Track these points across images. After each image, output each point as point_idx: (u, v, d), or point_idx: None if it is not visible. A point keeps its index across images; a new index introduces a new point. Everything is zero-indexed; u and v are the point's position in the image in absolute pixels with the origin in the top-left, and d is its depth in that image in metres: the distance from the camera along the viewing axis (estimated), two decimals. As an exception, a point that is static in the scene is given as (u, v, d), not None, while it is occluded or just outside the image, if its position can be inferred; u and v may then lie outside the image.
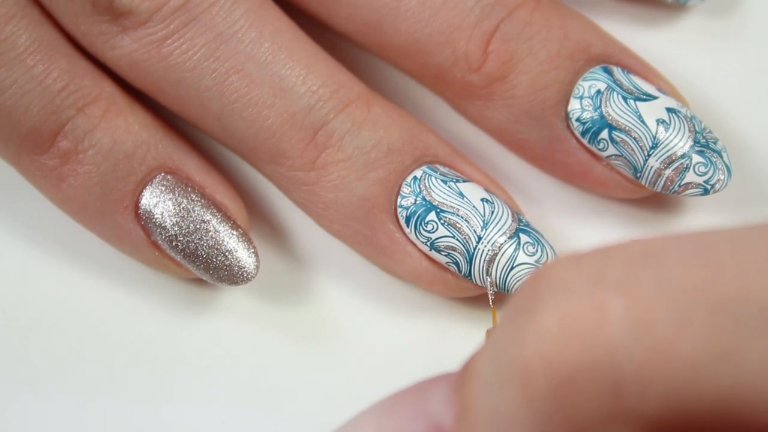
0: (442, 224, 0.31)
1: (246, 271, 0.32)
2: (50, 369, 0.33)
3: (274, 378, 0.33)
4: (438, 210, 0.32)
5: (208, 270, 0.32)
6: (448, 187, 0.32)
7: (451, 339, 0.34)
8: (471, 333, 0.34)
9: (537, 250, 0.32)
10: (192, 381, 0.33)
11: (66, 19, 0.32)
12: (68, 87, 0.32)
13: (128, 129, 0.32)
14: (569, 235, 0.35)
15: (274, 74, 0.32)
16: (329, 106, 0.32)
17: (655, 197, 0.34)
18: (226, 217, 0.32)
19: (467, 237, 0.31)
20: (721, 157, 0.32)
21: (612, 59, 0.33)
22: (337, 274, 0.34)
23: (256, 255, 0.32)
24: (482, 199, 0.32)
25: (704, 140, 0.32)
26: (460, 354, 0.33)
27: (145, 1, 0.31)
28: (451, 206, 0.32)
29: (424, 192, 0.32)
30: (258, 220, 0.35)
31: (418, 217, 0.32)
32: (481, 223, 0.31)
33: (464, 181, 0.32)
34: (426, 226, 0.32)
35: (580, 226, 0.35)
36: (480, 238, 0.31)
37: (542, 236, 0.32)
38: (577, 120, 0.33)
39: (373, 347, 0.33)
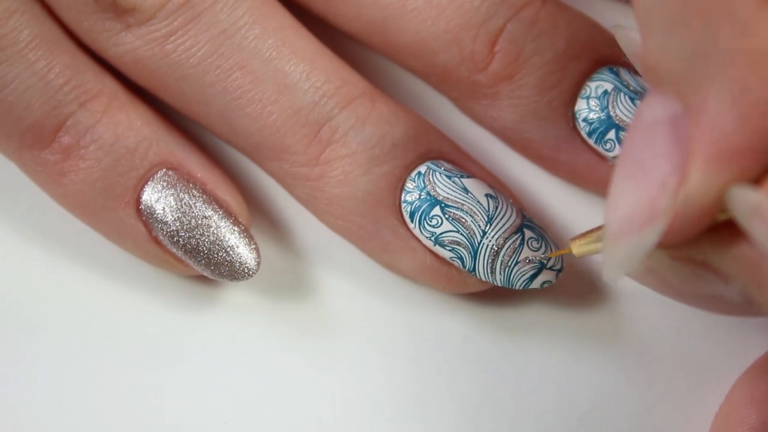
0: (447, 219, 0.31)
1: (247, 267, 0.32)
2: (50, 367, 0.33)
3: (276, 375, 0.33)
4: (443, 205, 0.31)
5: (209, 266, 0.32)
6: (453, 182, 0.32)
7: (454, 337, 0.33)
8: (474, 330, 0.33)
9: (541, 245, 0.32)
10: (194, 379, 0.33)
11: (68, 16, 0.32)
12: (70, 82, 0.32)
13: (130, 124, 0.32)
14: (571, 234, 0.34)
15: (278, 70, 0.32)
16: (333, 102, 0.32)
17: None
18: (228, 214, 0.32)
19: (472, 232, 0.31)
20: None
21: (618, 60, 0.33)
22: (340, 271, 0.34)
23: (257, 251, 0.32)
24: (486, 195, 0.32)
25: None
26: (463, 352, 0.33)
27: None
28: (456, 201, 0.31)
29: (429, 187, 0.32)
30: (259, 217, 0.35)
31: (422, 212, 0.32)
32: (486, 218, 0.31)
33: (468, 177, 0.32)
34: (430, 221, 0.31)
35: (583, 226, 0.35)
36: (484, 233, 0.31)
37: (546, 232, 0.32)
38: (584, 120, 0.32)
39: (375, 345, 0.33)
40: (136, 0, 0.31)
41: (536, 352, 0.33)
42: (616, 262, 0.24)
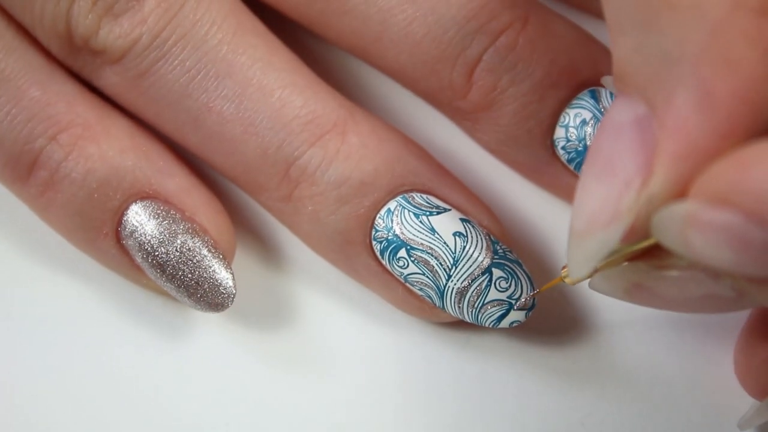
0: (413, 261, 0.31)
1: (224, 297, 0.32)
2: (51, 371, 0.33)
3: (277, 380, 0.33)
4: (408, 247, 0.31)
5: (190, 297, 0.32)
6: (420, 222, 0.31)
7: (456, 340, 0.33)
8: (475, 334, 0.33)
9: (510, 285, 0.31)
10: (192, 381, 0.33)
11: (52, 49, 0.32)
12: (37, 116, 0.31)
13: (102, 156, 0.31)
14: (559, 241, 0.35)
15: (246, 110, 0.31)
16: (301, 140, 0.31)
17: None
18: (206, 242, 0.32)
19: (437, 274, 0.31)
20: None
21: (599, 80, 0.32)
22: (338, 273, 0.34)
23: (234, 282, 0.32)
24: (455, 233, 0.31)
25: None
26: (464, 355, 0.33)
27: (117, 39, 0.31)
28: (421, 243, 0.31)
29: (396, 228, 0.31)
30: (249, 229, 0.35)
31: (390, 252, 0.31)
32: (451, 261, 0.31)
33: (438, 213, 0.31)
34: (398, 262, 0.31)
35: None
36: (449, 276, 0.31)
37: (519, 266, 0.31)
38: (563, 149, 0.32)
39: (376, 350, 0.33)
40: (105, 42, 0.31)
41: (538, 354, 0.33)
42: (579, 261, 0.24)
